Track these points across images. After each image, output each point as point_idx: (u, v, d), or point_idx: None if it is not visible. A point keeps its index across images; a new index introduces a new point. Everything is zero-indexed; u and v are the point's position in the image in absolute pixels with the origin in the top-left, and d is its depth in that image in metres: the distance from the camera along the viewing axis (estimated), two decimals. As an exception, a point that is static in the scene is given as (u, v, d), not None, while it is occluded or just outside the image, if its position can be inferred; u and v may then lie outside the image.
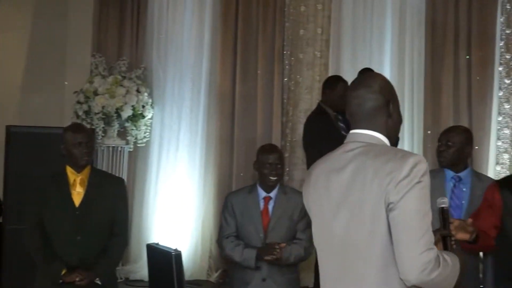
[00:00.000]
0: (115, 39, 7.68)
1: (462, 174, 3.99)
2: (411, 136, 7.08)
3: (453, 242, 2.46)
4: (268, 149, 4.48)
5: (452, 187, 3.99)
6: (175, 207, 7.42)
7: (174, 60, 7.63)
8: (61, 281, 4.05)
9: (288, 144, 7.41)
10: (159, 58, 7.65)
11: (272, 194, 4.42)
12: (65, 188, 4.15)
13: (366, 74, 2.60)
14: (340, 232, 2.22)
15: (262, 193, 4.44)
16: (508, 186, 3.49)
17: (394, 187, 2.10)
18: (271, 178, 4.35)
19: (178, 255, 4.04)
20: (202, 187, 7.44)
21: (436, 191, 3.84)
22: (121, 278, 7.07)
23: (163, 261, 4.15)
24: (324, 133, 5.72)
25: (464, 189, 3.96)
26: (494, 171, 7.21)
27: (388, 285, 2.15)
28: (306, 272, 7.21)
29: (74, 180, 4.18)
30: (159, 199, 7.48)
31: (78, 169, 4.16)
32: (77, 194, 4.16)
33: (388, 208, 2.11)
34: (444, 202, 2.66)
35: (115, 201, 4.27)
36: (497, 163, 7.24)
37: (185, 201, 7.46)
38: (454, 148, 4.00)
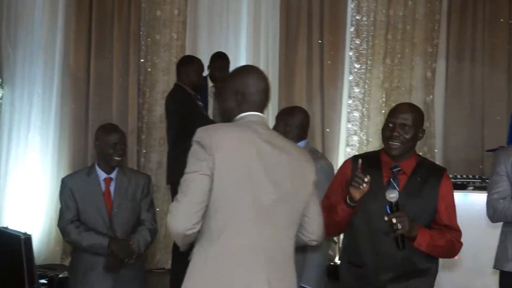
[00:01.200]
0: (-40, 15, 7.30)
1: None
2: (268, 116, 7.19)
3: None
4: (111, 128, 4.36)
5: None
6: (27, 190, 7.22)
7: (25, 39, 7.45)
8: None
9: (144, 126, 7.43)
10: (9, 37, 7.42)
11: (113, 175, 4.30)
12: None
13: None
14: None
15: (102, 175, 4.32)
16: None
17: None
18: (116, 158, 4.23)
19: (27, 238, 3.96)
20: (56, 170, 7.31)
21: None
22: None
23: (12, 245, 4.03)
24: (187, 108, 5.66)
25: None
26: (344, 152, 7.56)
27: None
28: (162, 253, 7.22)
29: None
30: (10, 182, 7.28)
31: None
32: None
33: None
34: (393, 197, 3.06)
35: None
36: (347, 145, 7.60)
37: (38, 184, 7.26)
38: (294, 129, 4.15)
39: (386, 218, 3.03)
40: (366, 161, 3.19)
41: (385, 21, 7.67)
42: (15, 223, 6.46)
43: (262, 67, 7.50)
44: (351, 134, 7.63)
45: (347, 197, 3.13)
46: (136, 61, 7.48)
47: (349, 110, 7.65)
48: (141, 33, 7.54)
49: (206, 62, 7.36)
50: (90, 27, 7.48)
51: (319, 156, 4.32)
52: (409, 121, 3.21)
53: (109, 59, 7.45)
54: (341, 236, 5.73)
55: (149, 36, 7.55)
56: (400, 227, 3.01)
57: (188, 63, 5.96)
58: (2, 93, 7.29)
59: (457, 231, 3.32)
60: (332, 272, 4.41)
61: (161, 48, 7.55)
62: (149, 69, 7.54)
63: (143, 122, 7.48)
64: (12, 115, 7.41)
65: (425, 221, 3.26)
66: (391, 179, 3.23)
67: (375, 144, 7.53)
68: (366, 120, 7.59)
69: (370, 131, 7.60)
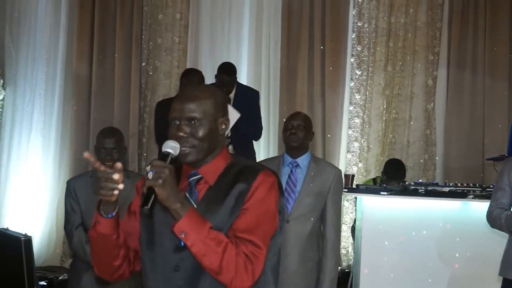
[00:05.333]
0: (-36, 15, 7.29)
1: (299, 160, 4.04)
2: (267, 123, 7.18)
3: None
4: (107, 133, 4.30)
5: (289, 173, 4.03)
6: (28, 191, 7.19)
7: (28, 40, 7.48)
8: None
9: (146, 129, 7.40)
10: (12, 37, 7.43)
11: None
12: None
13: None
14: None
15: None
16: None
17: None
18: (107, 163, 4.14)
19: (28, 240, 3.92)
20: (58, 171, 7.30)
21: None
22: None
23: (12, 247, 4.00)
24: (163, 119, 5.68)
25: (300, 175, 4.01)
26: (345, 159, 7.52)
27: None
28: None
29: None
30: (11, 183, 7.26)
31: None
32: None
33: None
34: (173, 147, 2.25)
35: None
36: (348, 151, 7.56)
37: (39, 185, 7.24)
38: (303, 132, 4.07)
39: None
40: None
41: (387, 28, 7.65)
42: (16, 225, 6.43)
43: (263, 72, 7.51)
44: (352, 140, 7.60)
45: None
46: (138, 64, 7.47)
47: (350, 117, 7.62)
48: (143, 36, 7.53)
49: (208, 65, 7.38)
50: (92, 29, 7.48)
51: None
52: (196, 114, 2.31)
53: (111, 61, 7.44)
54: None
55: (151, 40, 7.54)
56: (151, 177, 2.12)
57: (187, 76, 5.98)
58: (4, 94, 7.28)
59: (256, 247, 2.23)
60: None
61: (162, 52, 7.54)
62: (150, 73, 7.53)
63: (144, 126, 7.47)
64: (14, 115, 7.41)
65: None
66: (186, 193, 2.32)
67: (375, 150, 7.51)
68: (367, 126, 7.57)
69: (370, 137, 7.57)
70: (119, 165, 2.16)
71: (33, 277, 4.38)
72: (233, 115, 5.92)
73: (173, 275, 2.28)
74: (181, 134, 2.28)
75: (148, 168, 2.16)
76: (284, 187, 3.93)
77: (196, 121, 2.31)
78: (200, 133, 2.30)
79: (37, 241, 6.95)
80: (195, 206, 2.28)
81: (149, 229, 2.34)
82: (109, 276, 2.44)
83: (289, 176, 4.05)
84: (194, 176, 2.36)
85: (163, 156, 2.22)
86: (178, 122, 2.31)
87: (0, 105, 7.24)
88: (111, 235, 2.31)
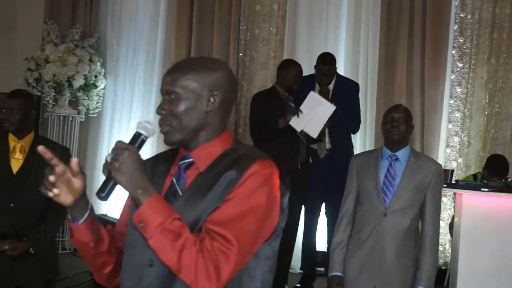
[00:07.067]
0: (68, 6, 7.65)
1: (399, 153, 3.93)
2: (364, 116, 7.07)
3: None
4: None
5: (388, 166, 3.93)
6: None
7: (129, 30, 7.68)
8: None
9: (241, 120, 7.40)
10: (113, 27, 7.66)
11: None
12: (4, 154, 4.01)
13: None
14: None
15: None
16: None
17: None
18: None
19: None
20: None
21: (372, 169, 3.93)
22: (69, 249, 6.98)
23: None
24: (268, 109, 5.74)
25: (399, 169, 3.91)
26: (444, 153, 7.35)
27: None
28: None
29: (14, 147, 4.02)
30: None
31: (19, 135, 4.02)
32: (16, 161, 4.00)
33: None
34: (145, 127, 2.00)
35: None
36: (448, 146, 7.37)
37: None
38: (405, 125, 3.95)
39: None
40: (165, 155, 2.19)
41: (491, 20, 7.38)
42: (114, 211, 6.57)
43: (361, 64, 7.39)
44: (452, 135, 7.38)
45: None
46: (235, 55, 7.50)
47: (450, 110, 7.41)
48: (240, 27, 7.55)
49: (305, 56, 7.33)
50: (191, 20, 7.55)
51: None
52: (172, 87, 2.03)
53: (209, 52, 7.48)
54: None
55: (248, 30, 7.54)
56: (109, 160, 1.91)
57: (285, 67, 6.04)
58: (105, 83, 7.48)
59: (226, 242, 1.87)
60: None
61: (259, 43, 7.52)
62: (247, 63, 7.53)
63: (241, 116, 7.48)
64: (114, 104, 7.63)
65: None
66: (174, 178, 2.05)
67: (476, 146, 7.28)
68: (467, 121, 7.33)
69: (471, 132, 7.32)
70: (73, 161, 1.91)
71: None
72: (328, 108, 5.87)
73: (146, 271, 1.98)
74: (158, 110, 2.03)
75: (111, 150, 1.91)
76: (382, 181, 3.88)
77: (173, 95, 2.02)
78: (177, 109, 2.00)
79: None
80: (180, 193, 2.02)
81: (131, 219, 2.01)
82: (106, 283, 2.16)
83: (387, 170, 3.94)
84: (185, 159, 2.06)
85: (133, 137, 1.98)
86: (162, 97, 2.05)
87: (101, 94, 7.44)
88: (87, 243, 2.02)
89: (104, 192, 1.92)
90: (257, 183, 1.93)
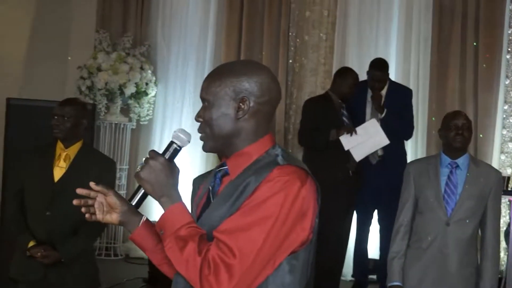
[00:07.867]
0: (119, 15, 7.73)
1: (459, 160, 3.85)
2: (415, 122, 6.96)
3: None
4: None
5: (449, 173, 3.85)
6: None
7: (179, 38, 7.74)
8: (28, 253, 3.93)
9: (291, 126, 7.38)
10: (164, 35, 7.73)
11: None
12: (49, 161, 4.01)
13: None
14: None
15: None
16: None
17: None
18: None
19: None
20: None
21: (433, 177, 3.87)
22: (121, 255, 7.06)
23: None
24: (321, 116, 5.73)
25: (460, 176, 3.83)
26: (498, 160, 7.20)
27: None
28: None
29: (60, 155, 4.02)
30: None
31: (67, 143, 4.03)
32: (59, 169, 3.99)
33: None
34: (179, 137, 2.03)
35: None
36: (502, 152, 7.23)
37: (186, 180, 7.37)
38: (468, 132, 3.87)
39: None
40: None
41: (548, 24, 7.23)
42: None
43: (412, 69, 7.30)
44: (507, 141, 7.23)
45: None
46: (285, 62, 7.48)
47: (504, 116, 7.25)
48: (290, 33, 7.53)
49: (355, 62, 7.27)
50: (240, 27, 7.57)
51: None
52: (204, 93, 2.03)
53: (259, 59, 7.48)
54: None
55: (298, 37, 7.51)
56: (139, 168, 1.93)
57: (342, 75, 6.05)
58: (156, 91, 7.55)
59: (229, 252, 1.80)
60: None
61: (309, 49, 7.47)
62: (297, 70, 7.50)
63: (290, 123, 7.46)
64: (165, 111, 7.70)
65: None
66: (210, 186, 2.05)
67: (531, 152, 7.13)
68: (523, 127, 7.18)
69: (526, 138, 7.18)
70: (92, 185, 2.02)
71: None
72: (382, 140, 5.87)
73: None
74: (196, 118, 2.03)
75: (144, 160, 1.95)
76: (443, 189, 3.83)
77: (206, 102, 1.99)
78: (209, 116, 1.97)
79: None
80: (212, 200, 1.99)
81: None
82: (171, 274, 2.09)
83: (448, 178, 3.87)
84: (222, 167, 2.03)
85: (167, 146, 2.01)
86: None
87: (152, 101, 7.52)
88: (145, 250, 2.13)
89: (135, 200, 1.99)
90: (270, 192, 1.83)
